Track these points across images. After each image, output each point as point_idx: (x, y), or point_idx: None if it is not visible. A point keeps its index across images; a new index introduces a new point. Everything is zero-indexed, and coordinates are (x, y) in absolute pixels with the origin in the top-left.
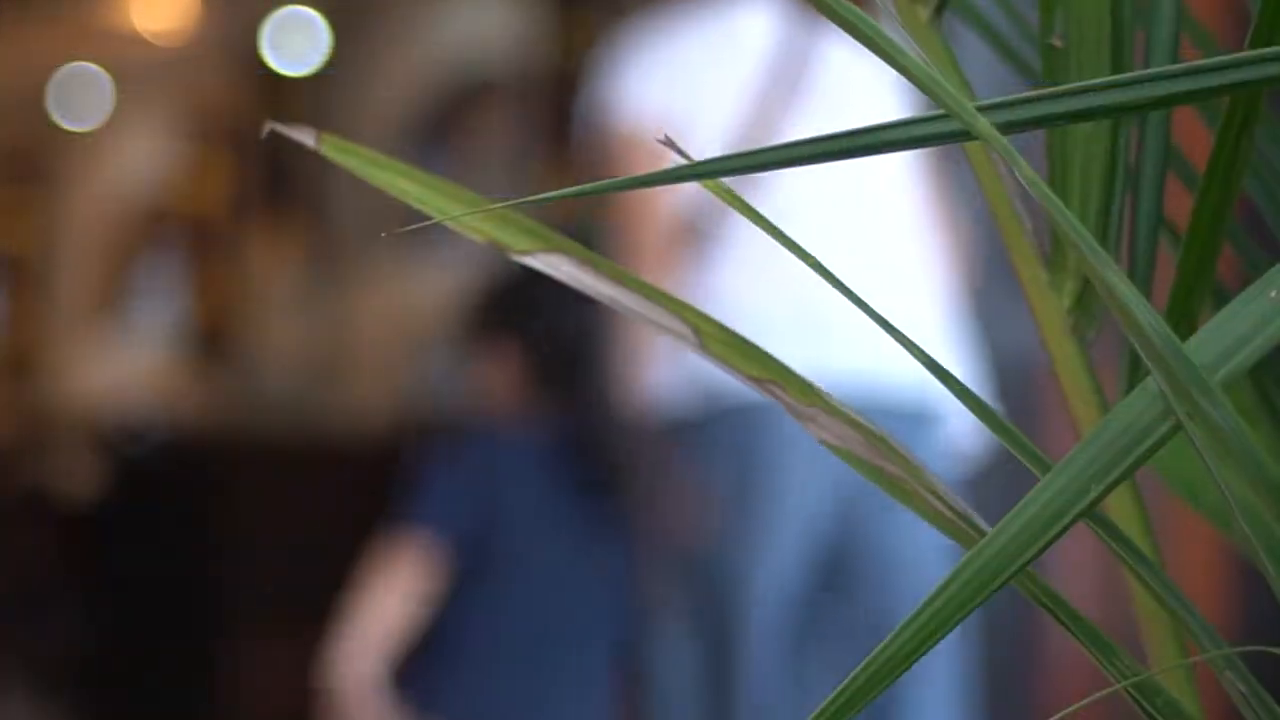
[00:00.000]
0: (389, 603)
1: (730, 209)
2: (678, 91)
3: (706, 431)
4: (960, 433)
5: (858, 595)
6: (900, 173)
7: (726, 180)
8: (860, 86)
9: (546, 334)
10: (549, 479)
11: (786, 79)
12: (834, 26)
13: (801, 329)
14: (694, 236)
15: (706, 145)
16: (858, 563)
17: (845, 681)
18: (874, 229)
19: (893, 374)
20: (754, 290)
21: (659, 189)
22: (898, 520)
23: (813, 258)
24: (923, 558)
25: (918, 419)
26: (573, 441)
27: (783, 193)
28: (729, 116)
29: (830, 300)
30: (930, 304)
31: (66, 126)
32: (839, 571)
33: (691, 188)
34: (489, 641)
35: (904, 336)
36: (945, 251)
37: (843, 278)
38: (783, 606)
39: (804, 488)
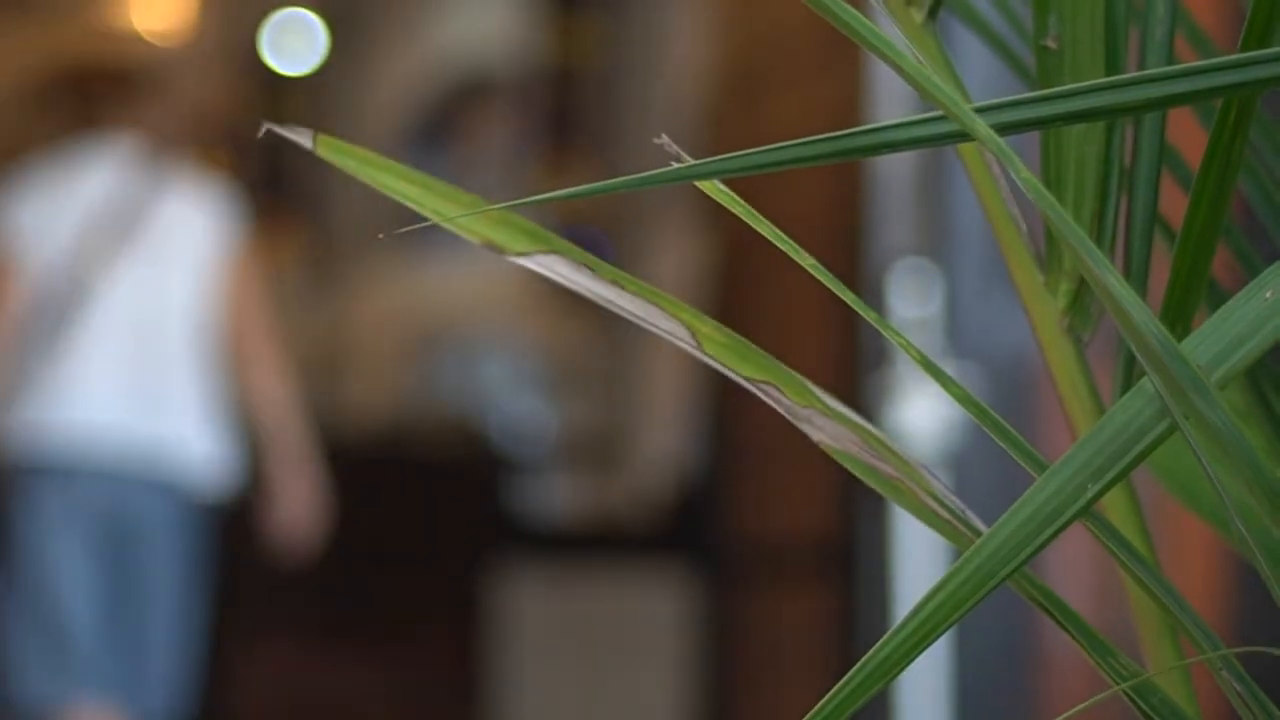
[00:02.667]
0: None
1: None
2: (36, 220)
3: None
4: (207, 484)
5: (134, 599)
6: (190, 290)
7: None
8: (184, 226)
9: None
10: None
11: (118, 221)
12: (171, 181)
13: (57, 393)
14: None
15: (48, 265)
16: (132, 575)
17: (846, 677)
18: (165, 334)
19: (153, 445)
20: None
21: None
22: (155, 551)
23: (813, 261)
24: (177, 577)
25: (173, 486)
26: None
27: (100, 303)
28: (69, 244)
29: (85, 372)
30: (206, 377)
31: None
32: (121, 579)
33: (45, 273)
34: None
35: (926, 359)
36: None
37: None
38: (88, 600)
39: (88, 525)
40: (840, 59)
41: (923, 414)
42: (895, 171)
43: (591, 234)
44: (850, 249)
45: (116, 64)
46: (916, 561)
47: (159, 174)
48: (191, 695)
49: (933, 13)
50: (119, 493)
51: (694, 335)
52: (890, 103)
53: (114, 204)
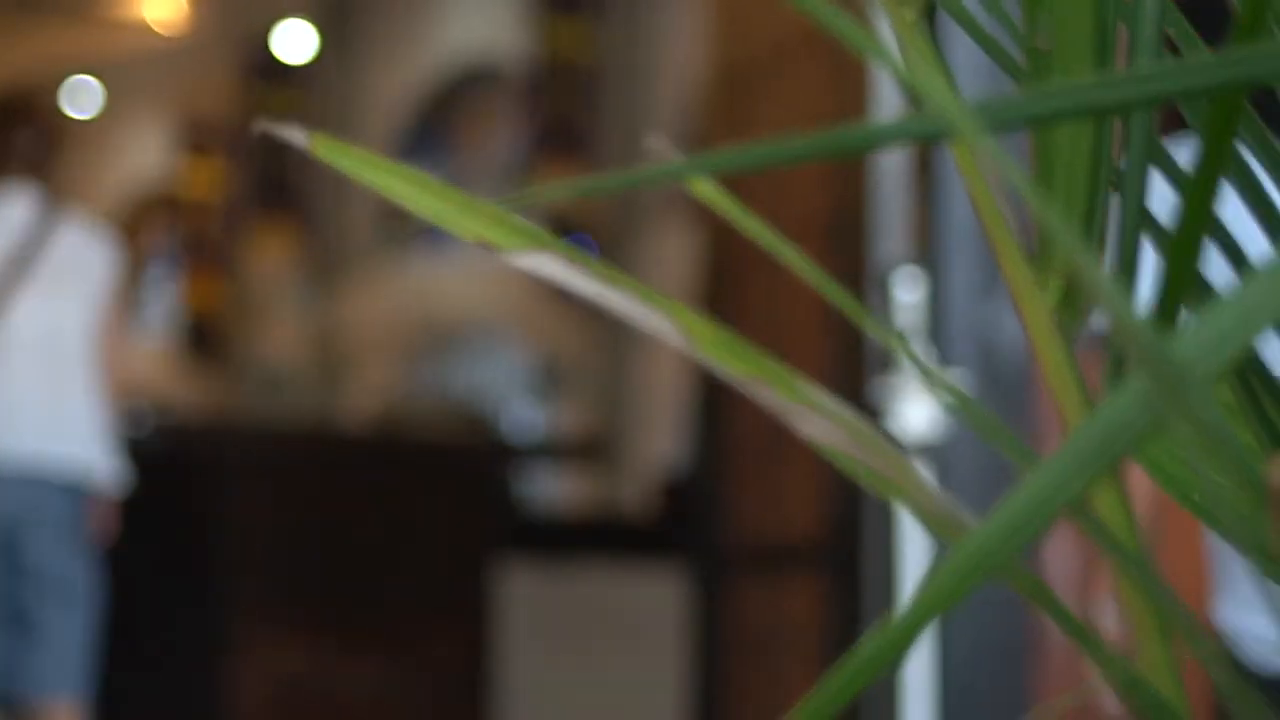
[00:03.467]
0: None
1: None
2: None
3: None
4: (106, 497)
5: (30, 592)
6: (86, 318)
7: None
8: (85, 254)
9: None
10: None
11: (24, 251)
12: (66, 222)
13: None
14: None
15: None
16: (22, 563)
17: (836, 670)
18: (66, 353)
19: (60, 455)
20: None
21: None
22: (46, 541)
23: (801, 261)
24: (67, 571)
25: (75, 488)
26: None
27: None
28: None
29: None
30: (102, 402)
31: (71, 115)
32: (20, 575)
33: None
34: None
35: (917, 356)
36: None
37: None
38: None
39: None
40: (840, 60)
41: (925, 414)
42: (898, 173)
43: (577, 238)
44: (855, 251)
45: (24, 111)
46: (916, 557)
47: (56, 216)
48: (90, 678)
49: (925, 12)
50: (18, 497)
51: (684, 332)
52: (889, 104)
53: (21, 241)
